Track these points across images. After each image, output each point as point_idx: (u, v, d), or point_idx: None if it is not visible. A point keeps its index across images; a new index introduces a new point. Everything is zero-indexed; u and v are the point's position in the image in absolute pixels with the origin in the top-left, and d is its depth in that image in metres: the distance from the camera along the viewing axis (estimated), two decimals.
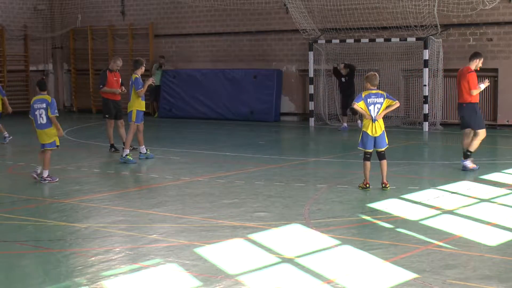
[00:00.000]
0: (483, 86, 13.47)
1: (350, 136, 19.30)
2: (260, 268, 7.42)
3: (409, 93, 22.04)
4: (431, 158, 16.60)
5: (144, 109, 15.32)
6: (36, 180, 12.70)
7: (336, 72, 21.80)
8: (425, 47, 20.77)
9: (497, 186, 11.81)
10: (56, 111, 12.66)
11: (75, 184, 12.70)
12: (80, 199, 11.40)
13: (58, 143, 12.84)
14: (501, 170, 13.45)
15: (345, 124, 21.44)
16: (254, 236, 8.74)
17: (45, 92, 12.79)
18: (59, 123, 12.70)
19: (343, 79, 21.42)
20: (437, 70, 21.18)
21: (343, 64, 21.39)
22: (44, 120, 12.59)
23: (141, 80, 15.12)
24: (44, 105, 12.56)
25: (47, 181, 12.70)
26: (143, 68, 15.35)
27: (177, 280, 7.17)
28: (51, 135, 12.69)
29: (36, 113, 12.61)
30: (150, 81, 15.31)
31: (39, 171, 12.84)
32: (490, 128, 21.08)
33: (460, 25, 21.44)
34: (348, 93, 21.15)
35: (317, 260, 7.66)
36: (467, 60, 13.93)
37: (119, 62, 16.58)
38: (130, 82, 15.22)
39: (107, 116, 16.41)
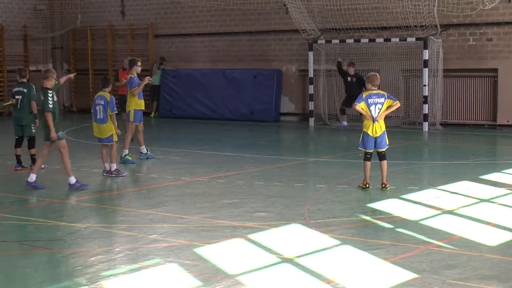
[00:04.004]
0: None
1: (350, 136, 19.29)
2: (260, 268, 7.42)
3: (409, 93, 22.04)
4: (431, 158, 16.60)
5: (143, 108, 15.27)
6: (111, 175, 13.28)
7: (340, 68, 21.57)
8: (425, 47, 20.77)
9: (497, 186, 11.81)
10: (115, 108, 13.42)
11: None
12: (80, 199, 11.40)
13: (116, 139, 13.42)
14: (501, 170, 13.46)
15: (345, 123, 21.44)
16: (254, 236, 8.74)
17: (107, 89, 13.50)
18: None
19: (349, 79, 21.19)
20: (437, 70, 21.17)
21: (351, 68, 21.12)
22: (101, 116, 13.35)
23: (136, 80, 15.09)
24: (102, 102, 13.32)
25: (114, 174, 13.28)
26: (139, 68, 15.33)
27: (177, 280, 7.17)
28: (107, 130, 13.34)
29: (96, 108, 13.39)
30: (147, 80, 15.31)
31: (107, 168, 13.38)
32: (490, 128, 21.11)
33: (460, 25, 21.44)
34: (354, 92, 20.72)
35: (317, 260, 7.66)
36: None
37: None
38: (127, 82, 15.25)
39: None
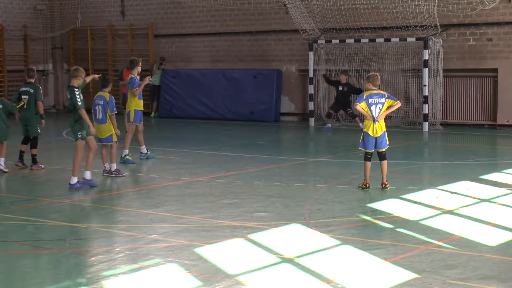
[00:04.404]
0: None
1: (350, 136, 19.30)
2: (260, 268, 7.42)
3: (409, 93, 22.04)
4: (431, 158, 16.60)
5: (142, 109, 15.27)
6: (111, 175, 13.31)
7: (328, 80, 21.80)
8: (425, 47, 20.77)
9: (497, 186, 11.81)
10: (115, 109, 13.47)
11: None
12: (80, 199, 11.40)
13: (115, 139, 13.46)
14: (501, 170, 13.46)
15: (329, 125, 21.47)
16: (254, 236, 8.74)
17: (106, 90, 13.59)
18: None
19: (340, 88, 21.26)
20: (437, 70, 21.17)
21: (343, 76, 21.22)
22: (101, 116, 13.42)
23: (137, 80, 15.10)
24: (102, 102, 13.40)
25: (114, 174, 13.33)
26: (139, 68, 15.34)
27: (177, 280, 7.17)
28: (106, 130, 13.39)
29: (96, 108, 13.47)
30: (147, 80, 15.34)
31: (107, 168, 13.40)
32: (490, 128, 21.11)
33: (460, 25, 21.44)
34: (344, 101, 21.02)
35: (317, 260, 7.66)
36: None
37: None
38: (127, 82, 15.26)
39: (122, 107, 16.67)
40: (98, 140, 13.58)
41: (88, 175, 12.28)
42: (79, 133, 12.23)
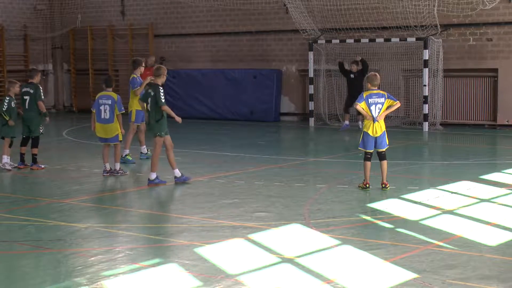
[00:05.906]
0: None
1: (350, 136, 19.30)
2: (260, 268, 7.42)
3: (409, 93, 22.04)
4: (431, 158, 16.60)
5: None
6: (109, 175, 13.31)
7: (342, 68, 21.62)
8: (425, 47, 20.76)
9: (497, 186, 11.81)
10: (122, 108, 13.48)
11: (75, 184, 12.70)
12: (80, 199, 11.40)
13: (121, 138, 13.54)
14: (501, 170, 13.46)
15: (347, 122, 21.31)
16: (254, 236, 8.74)
17: (111, 89, 13.60)
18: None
19: (352, 75, 21.17)
20: (437, 70, 21.17)
21: (354, 66, 21.11)
22: (108, 116, 13.38)
23: (138, 80, 15.13)
24: (109, 102, 13.36)
25: (120, 173, 13.39)
26: (142, 68, 15.40)
27: (177, 280, 7.17)
28: (113, 130, 13.40)
29: (101, 108, 13.40)
30: (148, 79, 15.35)
31: (107, 168, 13.41)
32: (490, 128, 21.11)
33: (460, 25, 21.44)
34: (356, 90, 20.69)
35: (317, 260, 7.67)
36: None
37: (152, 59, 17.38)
38: (129, 82, 15.29)
39: None
40: (103, 140, 13.58)
41: (177, 172, 12.46)
42: (158, 133, 12.38)
